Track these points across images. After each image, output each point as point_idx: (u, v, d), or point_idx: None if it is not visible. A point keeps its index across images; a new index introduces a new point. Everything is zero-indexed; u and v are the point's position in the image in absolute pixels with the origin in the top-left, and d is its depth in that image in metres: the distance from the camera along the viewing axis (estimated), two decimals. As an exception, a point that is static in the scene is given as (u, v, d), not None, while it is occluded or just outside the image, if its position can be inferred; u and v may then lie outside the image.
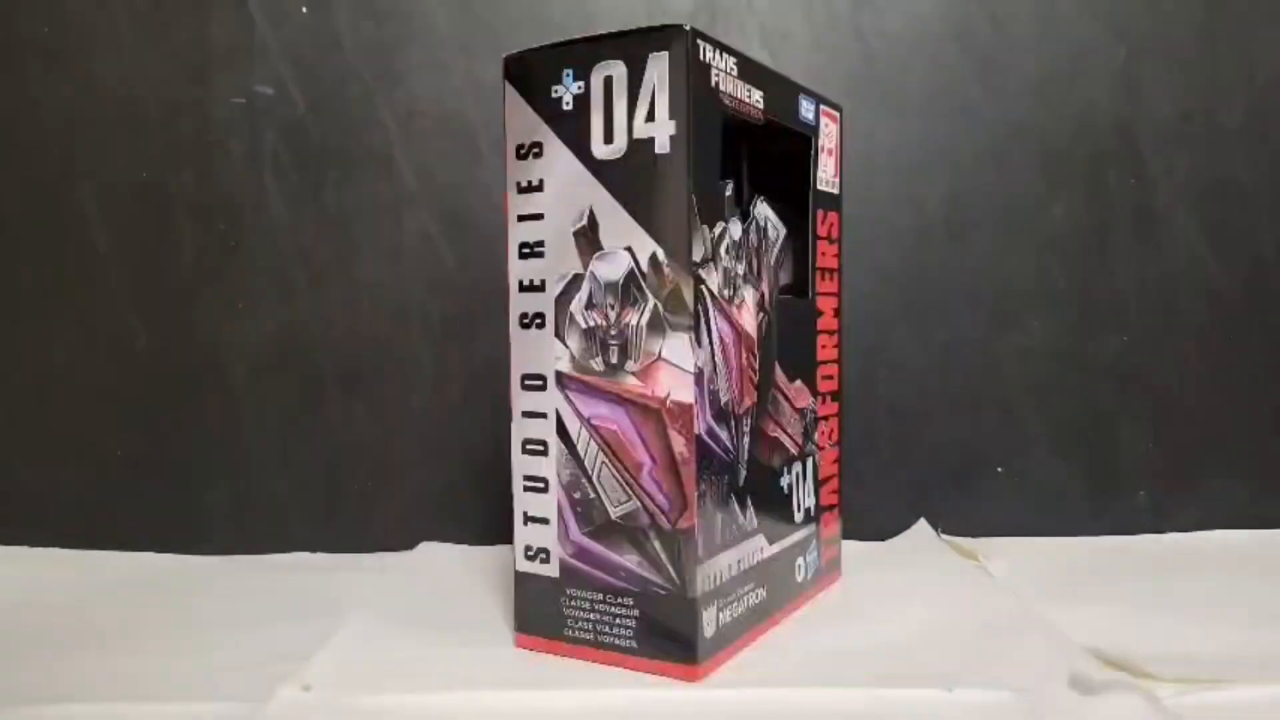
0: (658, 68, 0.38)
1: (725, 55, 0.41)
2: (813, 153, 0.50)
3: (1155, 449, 0.64)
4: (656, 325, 0.39)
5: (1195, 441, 0.64)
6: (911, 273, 0.64)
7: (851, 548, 0.58)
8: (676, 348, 0.39)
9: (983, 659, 0.41)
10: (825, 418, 0.52)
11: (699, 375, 0.39)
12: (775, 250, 0.47)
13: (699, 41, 0.39)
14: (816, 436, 0.51)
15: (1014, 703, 0.36)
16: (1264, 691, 0.37)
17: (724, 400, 0.41)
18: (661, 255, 0.39)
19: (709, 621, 0.40)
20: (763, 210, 0.46)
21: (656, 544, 0.40)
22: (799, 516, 0.49)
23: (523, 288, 0.42)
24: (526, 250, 0.42)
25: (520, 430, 0.43)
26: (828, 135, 0.51)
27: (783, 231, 0.48)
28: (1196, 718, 0.35)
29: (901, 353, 0.64)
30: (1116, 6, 0.63)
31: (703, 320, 0.39)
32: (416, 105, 0.63)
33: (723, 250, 0.41)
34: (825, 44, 0.63)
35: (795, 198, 0.50)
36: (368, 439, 0.64)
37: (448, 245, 0.64)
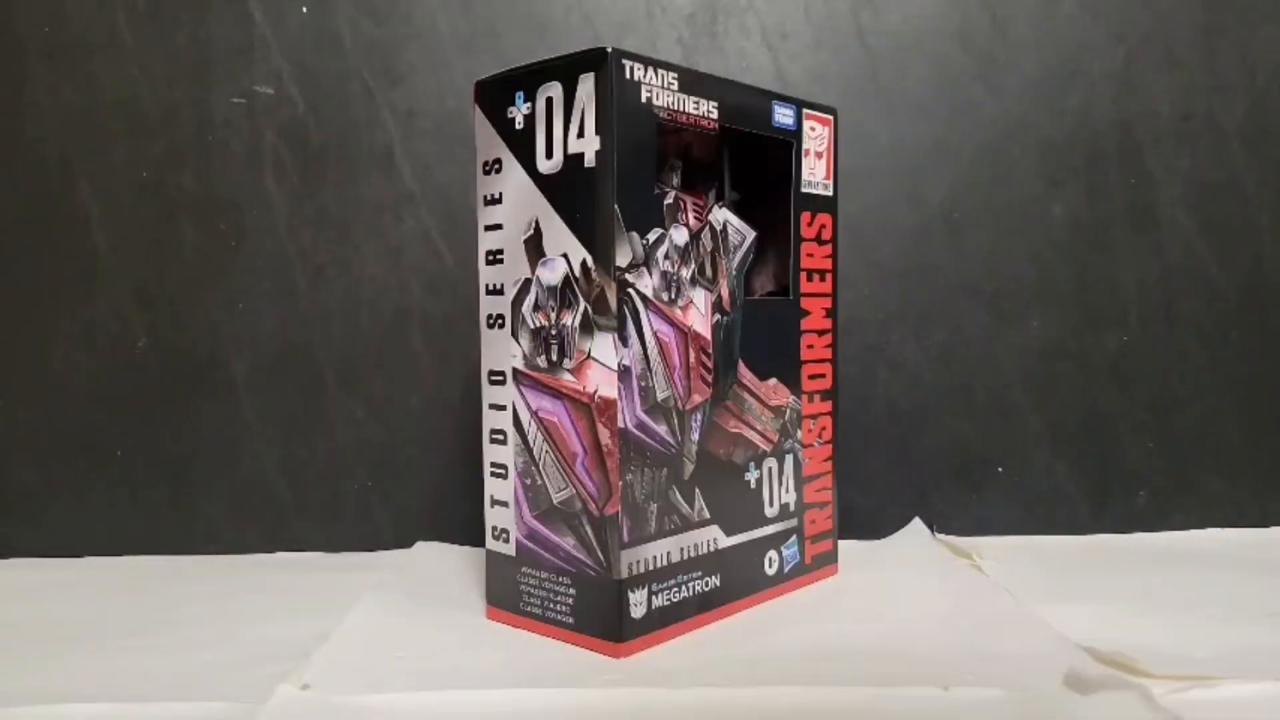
0: (585, 88, 0.42)
1: (662, 72, 0.43)
2: (794, 157, 0.51)
3: (1155, 449, 0.64)
4: (586, 326, 0.43)
5: (1195, 441, 0.64)
6: (911, 271, 0.64)
7: (846, 546, 0.58)
8: (603, 346, 0.42)
9: (978, 658, 0.41)
10: (814, 416, 0.53)
11: (624, 372, 0.42)
12: (740, 253, 0.48)
13: (625, 61, 0.41)
14: (800, 434, 0.52)
15: (1010, 701, 0.36)
16: (1259, 689, 0.37)
17: (661, 396, 0.44)
18: (590, 261, 0.42)
19: (637, 603, 0.43)
20: (721, 215, 0.48)
21: (588, 529, 0.43)
22: (772, 511, 0.50)
23: (488, 291, 0.46)
24: (490, 257, 0.46)
25: (487, 421, 0.47)
26: (815, 139, 0.52)
27: (749, 235, 0.49)
28: (1192, 715, 0.35)
29: (901, 353, 0.64)
30: (1116, 6, 0.63)
31: (630, 321, 0.42)
32: (416, 105, 0.63)
33: (660, 255, 0.44)
34: (825, 43, 0.63)
35: (785, 202, 0.51)
36: (368, 439, 0.64)
37: (447, 245, 0.64)
